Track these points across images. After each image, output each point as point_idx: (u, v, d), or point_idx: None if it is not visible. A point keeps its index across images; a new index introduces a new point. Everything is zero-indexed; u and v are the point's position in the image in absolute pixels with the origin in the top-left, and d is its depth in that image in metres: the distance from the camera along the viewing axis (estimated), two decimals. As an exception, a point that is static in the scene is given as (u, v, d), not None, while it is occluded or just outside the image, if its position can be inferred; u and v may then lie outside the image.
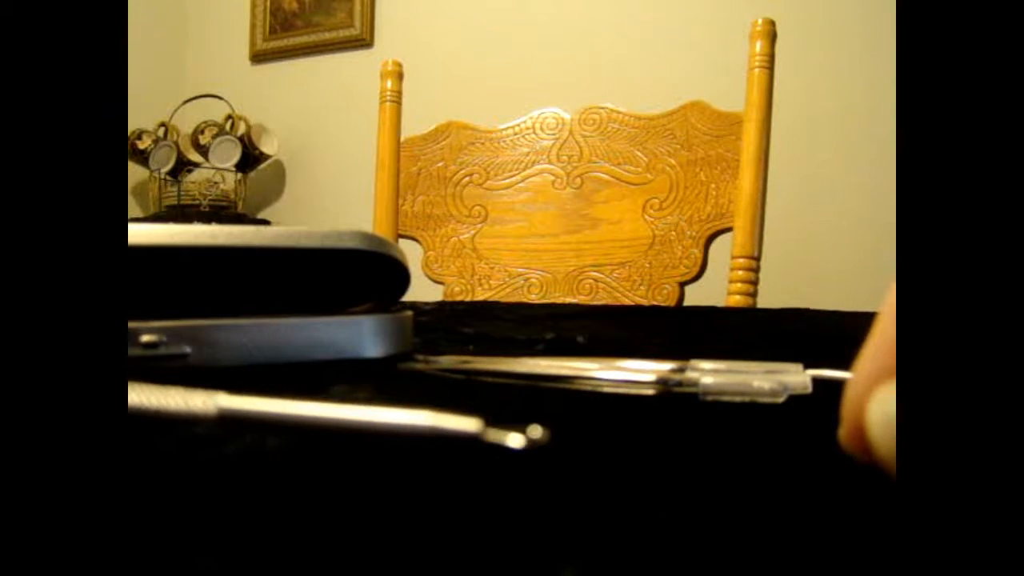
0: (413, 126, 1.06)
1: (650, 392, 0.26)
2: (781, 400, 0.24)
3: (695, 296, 0.90)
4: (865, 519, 0.14)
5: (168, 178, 2.30)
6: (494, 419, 0.17)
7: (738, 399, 0.24)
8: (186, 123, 2.34)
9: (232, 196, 2.34)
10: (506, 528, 0.13)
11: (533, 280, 0.99)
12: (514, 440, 0.16)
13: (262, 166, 2.37)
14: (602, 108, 1.00)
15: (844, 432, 0.13)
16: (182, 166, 2.28)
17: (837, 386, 0.24)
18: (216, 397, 0.19)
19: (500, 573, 0.11)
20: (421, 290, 0.56)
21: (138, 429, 0.20)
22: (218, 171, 2.28)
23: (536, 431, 0.16)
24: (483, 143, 1.04)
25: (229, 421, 0.19)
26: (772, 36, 0.90)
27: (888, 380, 0.12)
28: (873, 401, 0.12)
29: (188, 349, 0.28)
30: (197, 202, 2.27)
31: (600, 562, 0.12)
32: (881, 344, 0.12)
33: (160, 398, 0.19)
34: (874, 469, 0.12)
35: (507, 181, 1.02)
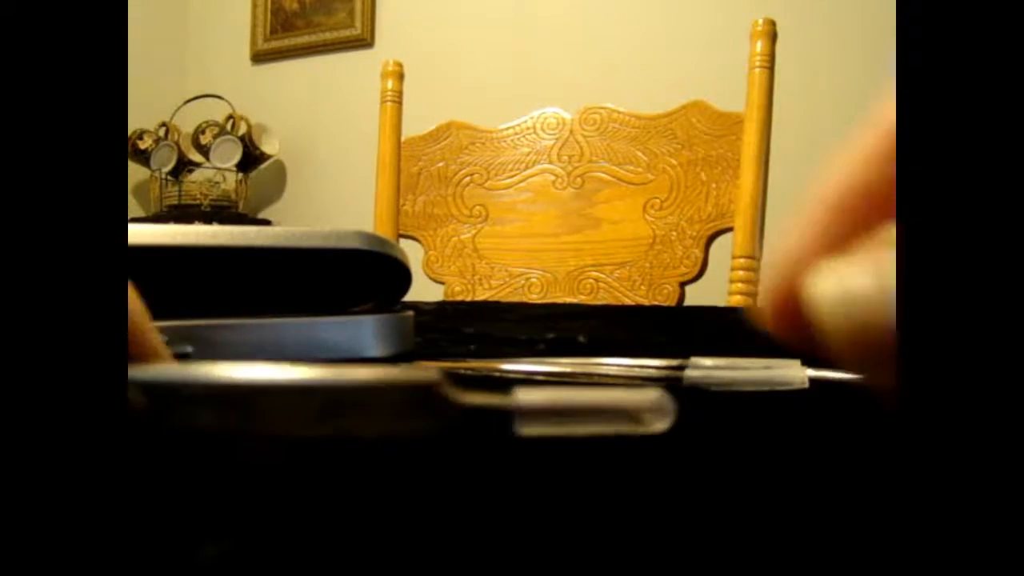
0: (413, 126, 1.06)
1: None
2: (780, 393, 0.24)
3: (695, 296, 0.90)
4: (863, 518, 0.14)
5: (169, 178, 2.30)
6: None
7: (741, 388, 0.24)
8: (187, 123, 2.34)
9: (233, 196, 2.34)
10: (508, 524, 0.13)
11: (534, 280, 0.99)
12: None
13: (263, 166, 2.37)
14: (602, 108, 1.00)
15: (772, 302, 0.12)
16: (183, 166, 2.29)
17: (834, 383, 0.24)
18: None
19: (503, 572, 0.11)
20: (422, 290, 0.56)
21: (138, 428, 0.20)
22: (219, 171, 2.28)
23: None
24: (484, 143, 1.04)
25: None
26: (772, 36, 0.90)
27: (830, 253, 0.11)
28: (823, 275, 0.11)
29: (189, 349, 0.28)
30: (198, 202, 2.27)
31: (600, 557, 0.12)
32: (818, 214, 0.12)
33: None
34: (864, 453, 0.12)
35: (508, 181, 1.02)
